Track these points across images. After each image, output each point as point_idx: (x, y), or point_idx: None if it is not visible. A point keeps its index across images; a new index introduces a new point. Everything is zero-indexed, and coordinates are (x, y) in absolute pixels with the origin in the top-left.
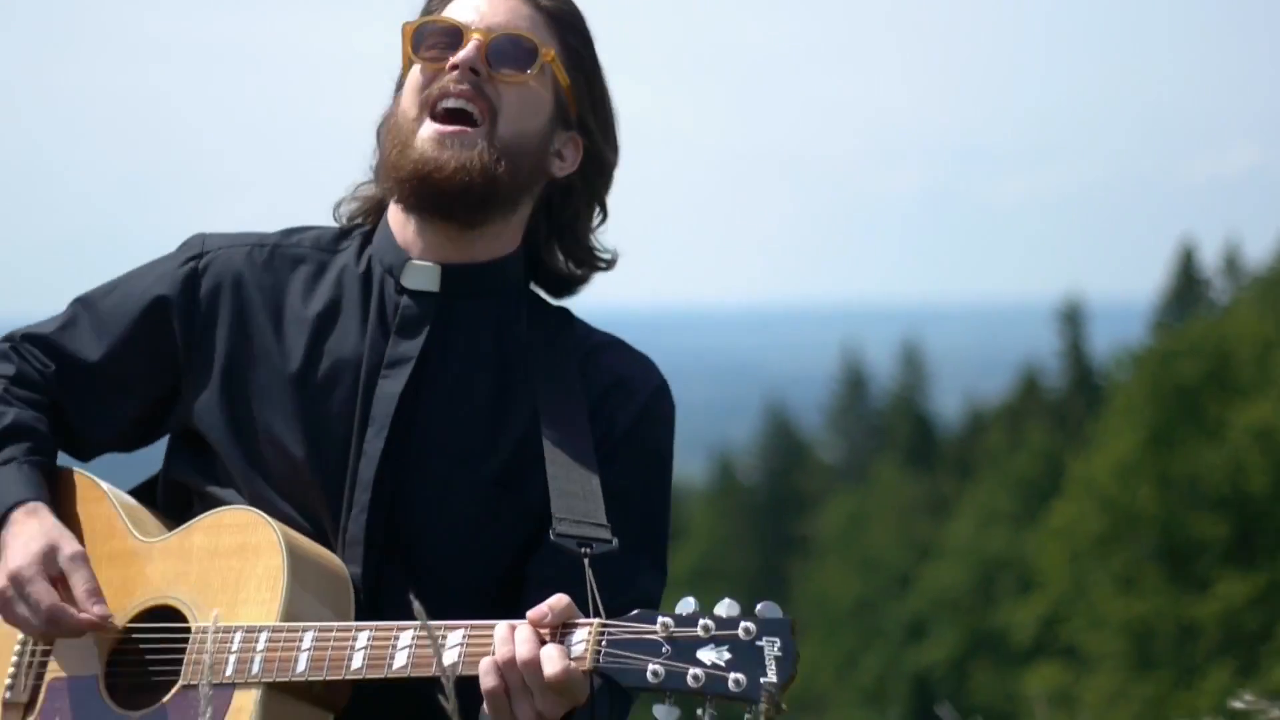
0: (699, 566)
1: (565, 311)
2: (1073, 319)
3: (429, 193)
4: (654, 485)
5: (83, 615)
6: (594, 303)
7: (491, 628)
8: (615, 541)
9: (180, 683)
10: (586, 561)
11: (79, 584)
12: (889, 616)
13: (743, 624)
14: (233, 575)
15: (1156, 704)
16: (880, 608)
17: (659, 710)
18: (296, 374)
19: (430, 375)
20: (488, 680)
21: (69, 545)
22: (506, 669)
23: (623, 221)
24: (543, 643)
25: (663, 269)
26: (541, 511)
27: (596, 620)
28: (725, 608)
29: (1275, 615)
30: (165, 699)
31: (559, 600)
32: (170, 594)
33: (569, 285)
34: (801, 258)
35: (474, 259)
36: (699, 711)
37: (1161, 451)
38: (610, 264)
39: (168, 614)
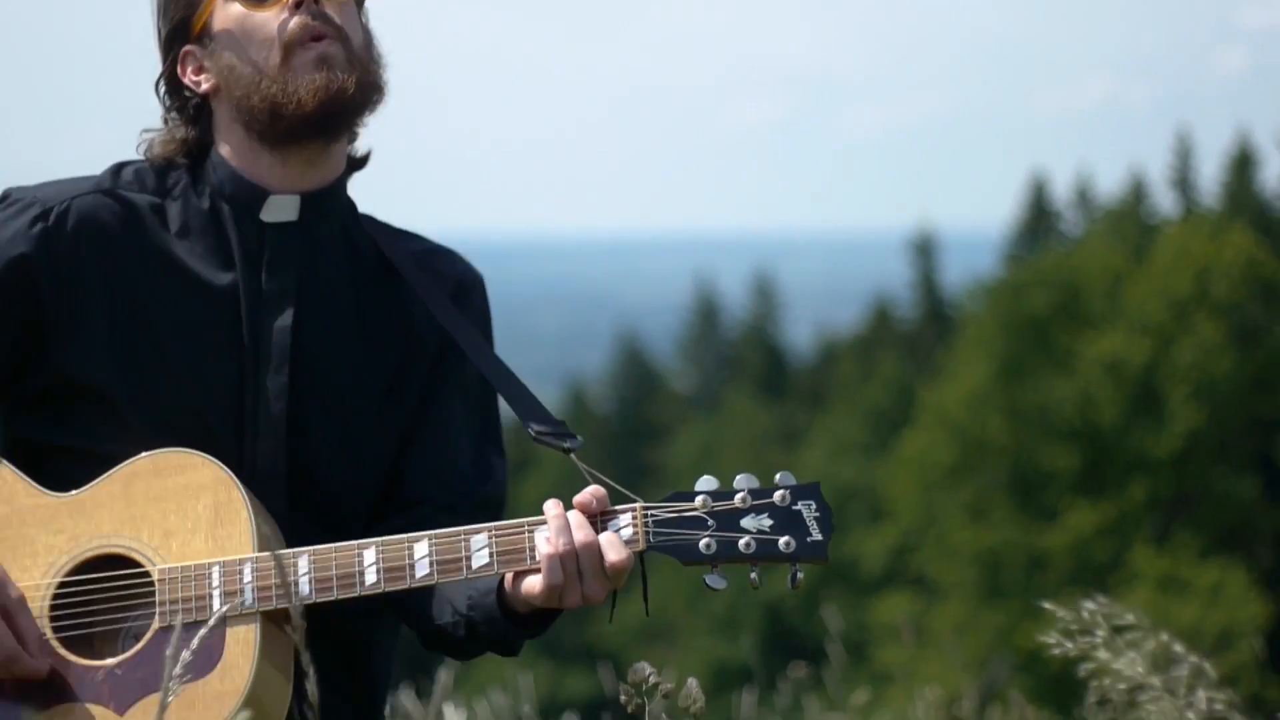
0: (551, 495)
1: (372, 220)
2: (924, 250)
3: (321, 118)
4: (488, 379)
5: (36, 662)
6: (448, 228)
7: (519, 525)
8: (580, 439)
9: (156, 625)
10: (574, 457)
11: (27, 631)
12: None
13: (777, 491)
14: (188, 514)
15: (1006, 633)
16: None
17: (712, 579)
18: (176, 317)
19: (307, 302)
20: (553, 566)
21: (9, 589)
22: (567, 559)
23: (480, 150)
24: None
25: (516, 197)
26: (416, 406)
27: (639, 504)
28: (745, 480)
29: (1124, 546)
30: (141, 644)
31: (596, 488)
32: (117, 542)
33: (352, 167)
34: (654, 187)
35: (325, 182)
36: (752, 574)
37: (1012, 382)
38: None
39: (113, 563)
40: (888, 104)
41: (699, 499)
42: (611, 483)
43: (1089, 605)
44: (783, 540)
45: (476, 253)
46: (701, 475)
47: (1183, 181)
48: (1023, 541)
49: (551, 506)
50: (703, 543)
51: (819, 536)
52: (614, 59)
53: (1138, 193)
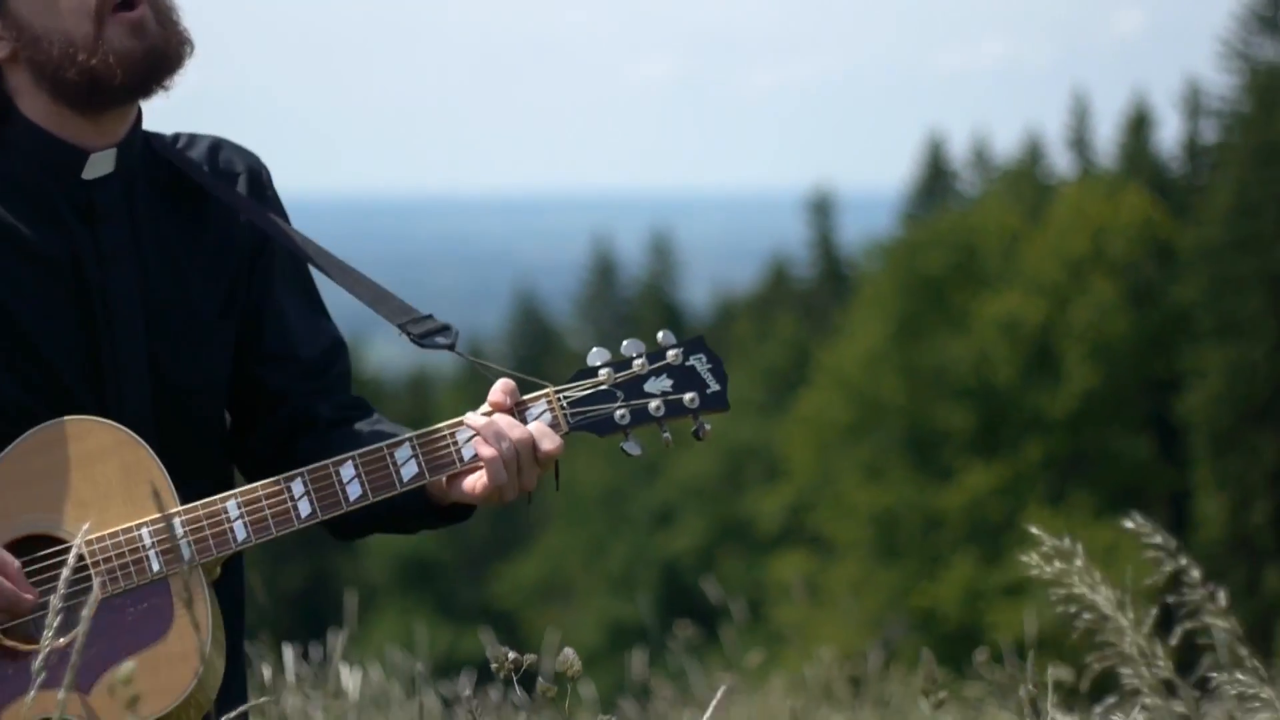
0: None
1: (154, 136)
2: (822, 209)
3: (140, 84)
4: (294, 251)
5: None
6: (344, 186)
7: (439, 432)
8: (455, 329)
9: (96, 597)
10: (458, 352)
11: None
12: (637, 505)
13: (670, 350)
14: (98, 481)
15: (901, 592)
16: (628, 496)
17: (628, 446)
18: (15, 283)
19: (142, 250)
20: (496, 469)
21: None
22: (509, 460)
23: (374, 107)
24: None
25: (412, 154)
26: (252, 310)
27: (550, 388)
28: (633, 346)
29: (1018, 505)
30: (86, 620)
31: (504, 383)
32: (28, 521)
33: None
34: (552, 144)
35: (130, 127)
36: (665, 435)
37: (908, 342)
38: None
39: (29, 546)
40: (786, 63)
41: (603, 372)
42: (511, 372)
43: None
44: (687, 396)
45: (375, 210)
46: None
47: (1079, 142)
48: (918, 501)
49: (474, 416)
50: (617, 413)
51: (717, 386)
52: (511, 14)
53: (1034, 153)
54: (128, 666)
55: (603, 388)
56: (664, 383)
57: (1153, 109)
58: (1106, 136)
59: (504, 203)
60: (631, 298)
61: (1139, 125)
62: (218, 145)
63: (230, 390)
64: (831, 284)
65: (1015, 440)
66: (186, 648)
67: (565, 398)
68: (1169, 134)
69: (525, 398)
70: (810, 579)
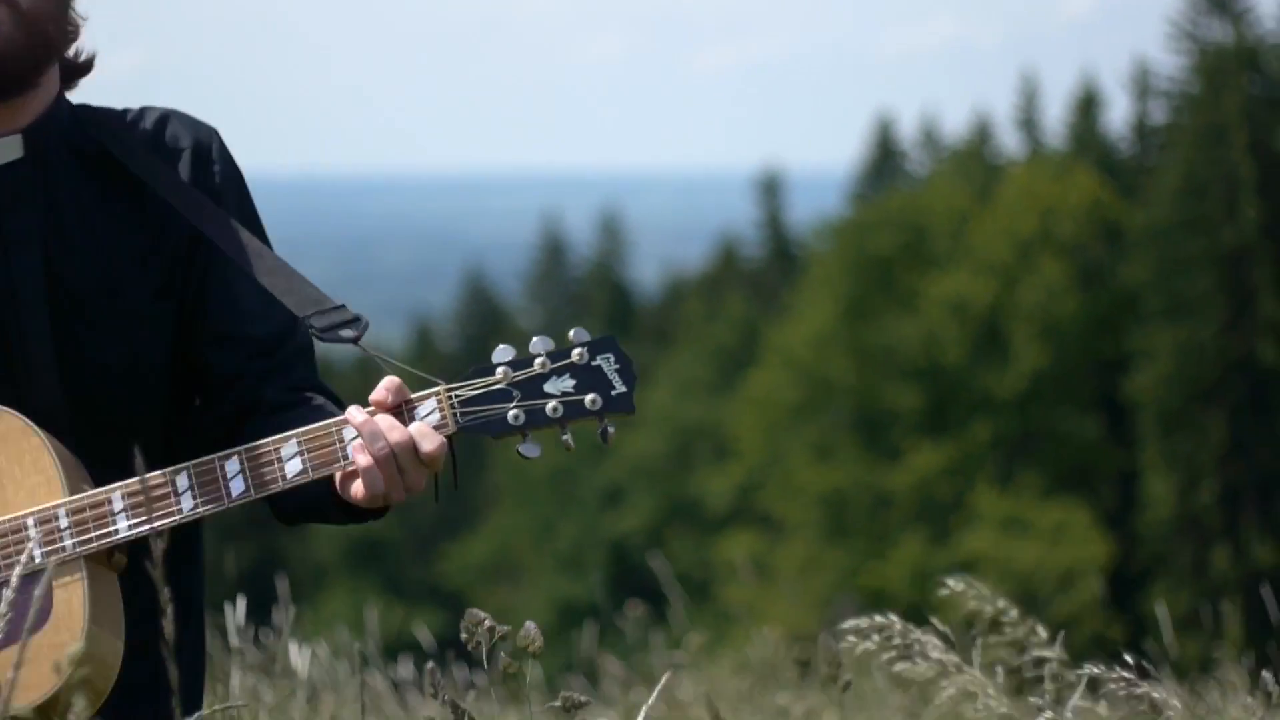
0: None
1: (94, 110)
2: (771, 189)
3: (18, 72)
4: (255, 225)
5: None
6: (294, 165)
7: (327, 429)
8: (364, 321)
9: None
10: (360, 346)
11: None
12: (586, 484)
13: (575, 349)
14: None
15: (850, 572)
16: (578, 475)
17: (525, 449)
18: None
19: (55, 235)
20: (373, 476)
21: None
22: (384, 463)
23: (324, 85)
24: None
25: (362, 134)
26: (193, 296)
27: (441, 386)
28: (541, 343)
29: (966, 485)
30: None
31: (390, 380)
32: None
33: (73, 75)
34: (502, 124)
35: (40, 111)
36: (564, 437)
37: (857, 322)
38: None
39: None
40: (735, 42)
41: (499, 370)
42: (407, 367)
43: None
44: (588, 398)
45: (324, 189)
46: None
47: (1028, 122)
48: (867, 481)
49: (356, 413)
50: (510, 414)
51: (622, 388)
52: None
53: (983, 133)
54: (75, 648)
55: (498, 387)
56: (565, 383)
57: (1101, 90)
58: (1055, 117)
59: (453, 182)
60: (581, 277)
61: (1088, 106)
62: (166, 118)
63: (182, 372)
64: (781, 264)
65: (964, 420)
66: (62, 639)
67: (457, 396)
68: (1118, 115)
69: (414, 396)
70: (759, 558)
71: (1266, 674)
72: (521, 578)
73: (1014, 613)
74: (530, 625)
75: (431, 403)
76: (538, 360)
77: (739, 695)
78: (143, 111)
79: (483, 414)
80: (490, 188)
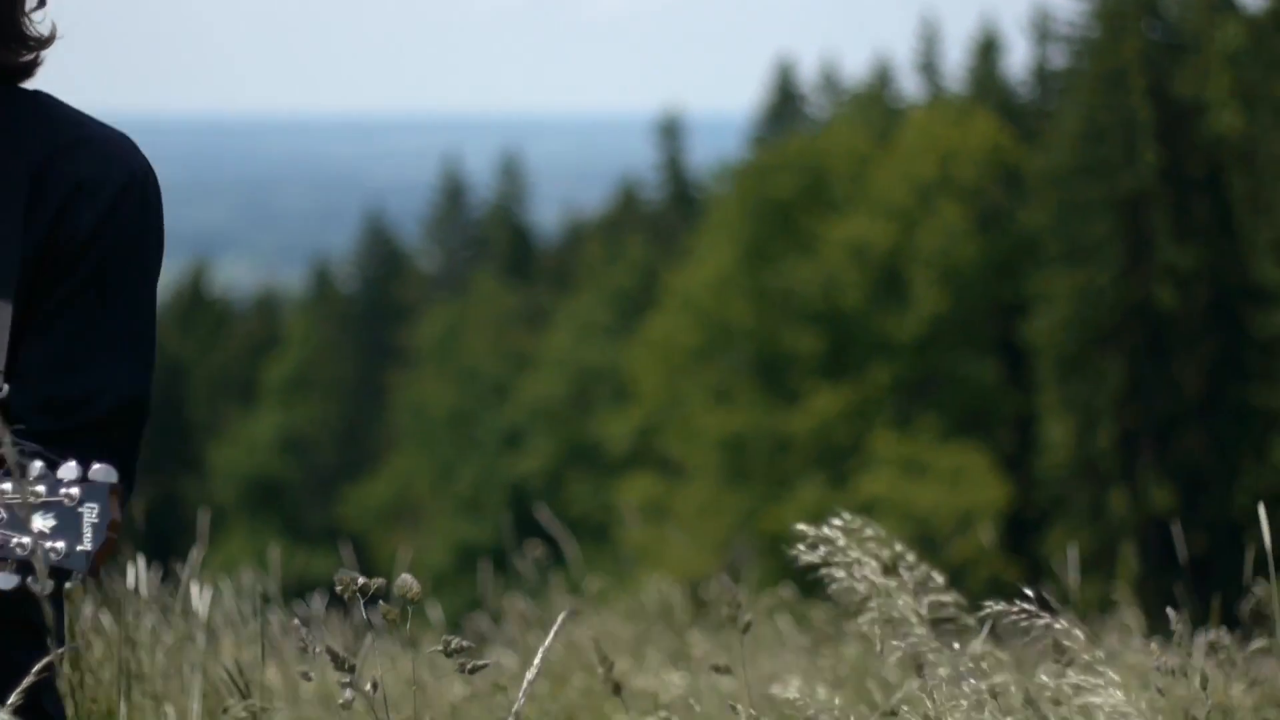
0: (296, 375)
1: (35, 100)
2: (671, 132)
3: None
4: (129, 283)
5: None
6: (192, 107)
7: None
8: (5, 387)
9: None
10: None
11: None
12: (486, 426)
13: (65, 491)
14: None
15: (748, 516)
16: (477, 418)
17: (1, 579)
18: None
19: None
20: None
21: None
22: None
23: (221, 26)
24: None
25: (262, 75)
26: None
27: None
28: (67, 470)
29: (865, 428)
30: None
31: None
32: None
33: (15, 74)
34: (401, 65)
35: None
36: (30, 581)
37: (757, 265)
38: (48, 40)
39: None
40: None
41: (4, 485)
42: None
43: (835, 522)
44: (53, 546)
45: (224, 130)
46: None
47: (928, 66)
48: (766, 424)
49: None
50: None
51: (88, 546)
52: None
53: (883, 77)
54: None
55: None
56: (48, 521)
57: (1002, 34)
58: (955, 61)
59: (353, 124)
60: (481, 219)
61: (988, 50)
62: (80, 144)
63: None
64: (680, 207)
65: (863, 364)
66: None
67: None
68: (1018, 59)
69: None
70: (658, 501)
71: (1171, 611)
72: (421, 520)
73: (911, 556)
74: (406, 576)
75: None
76: (33, 490)
77: (635, 638)
78: (77, 123)
79: None
80: (390, 130)
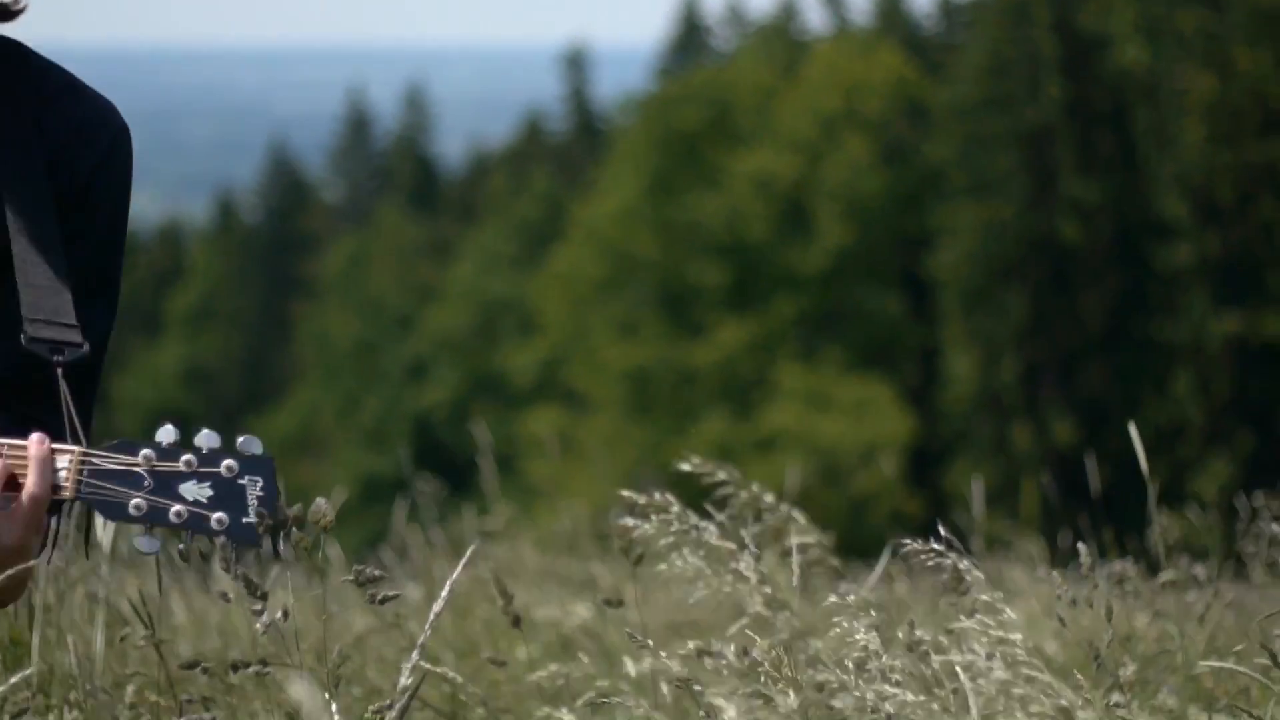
0: (200, 306)
1: (16, 49)
2: (577, 64)
3: None
4: (113, 229)
5: None
6: (91, 38)
7: None
8: (86, 346)
9: None
10: (60, 373)
11: None
12: (390, 358)
13: (225, 461)
14: None
15: (654, 448)
16: (382, 349)
17: (141, 541)
18: None
19: None
20: None
21: None
22: None
23: None
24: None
25: (166, 4)
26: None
27: (77, 449)
28: (206, 439)
29: (769, 361)
30: None
31: (41, 435)
32: None
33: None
34: None
35: None
36: (180, 545)
37: (662, 198)
38: None
39: None
40: None
41: (142, 454)
42: (73, 413)
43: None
44: (215, 517)
45: (128, 59)
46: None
47: None
48: (671, 357)
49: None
50: (133, 503)
51: (252, 519)
52: None
53: (789, 9)
54: None
55: (137, 469)
56: (203, 491)
57: None
58: None
59: (258, 54)
60: (385, 150)
61: None
62: (69, 91)
63: None
64: (586, 139)
65: (768, 296)
66: None
67: (90, 465)
68: None
69: (53, 447)
70: (563, 434)
71: (1081, 545)
72: (326, 452)
73: (770, 497)
74: (320, 501)
75: (64, 460)
76: (184, 458)
77: (541, 569)
78: (52, 69)
79: (106, 492)
80: (295, 60)
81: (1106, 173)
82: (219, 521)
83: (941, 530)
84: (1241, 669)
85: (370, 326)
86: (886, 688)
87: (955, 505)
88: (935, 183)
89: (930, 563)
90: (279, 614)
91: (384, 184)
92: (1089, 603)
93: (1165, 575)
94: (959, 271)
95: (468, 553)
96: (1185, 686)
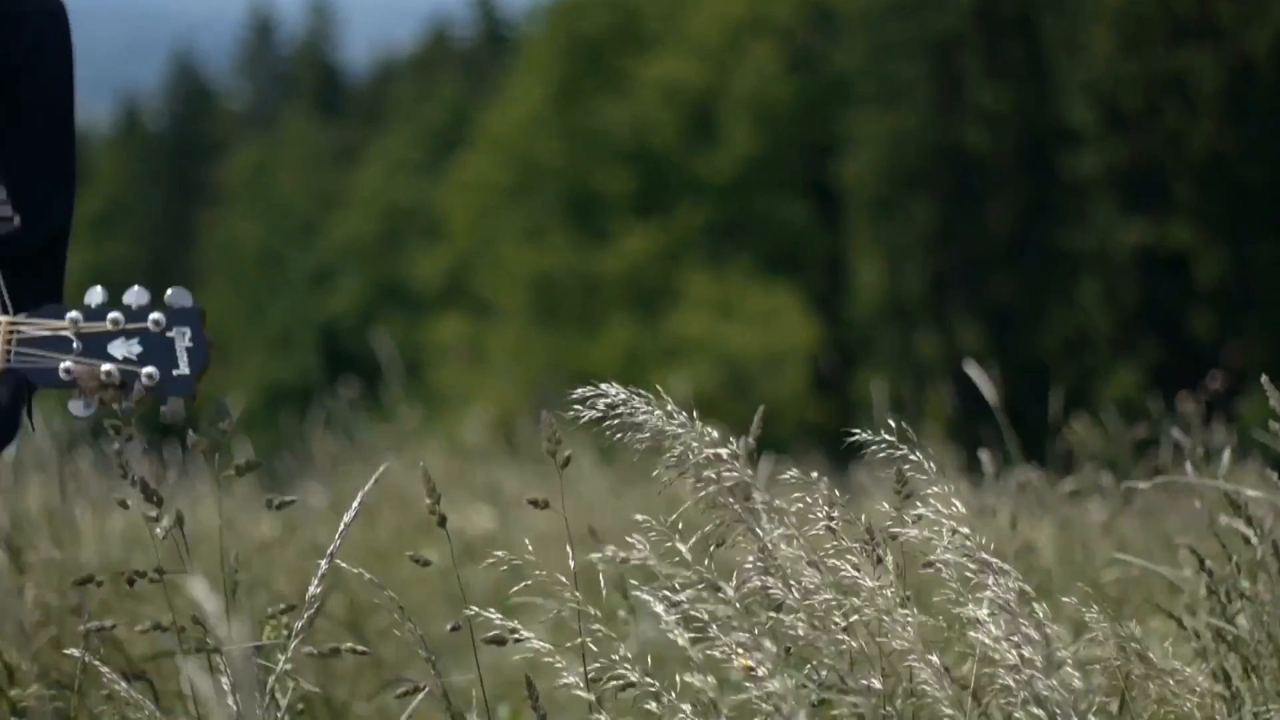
0: (104, 212)
1: None
2: None
3: None
4: (56, 110)
5: None
6: None
7: None
8: (17, 219)
9: None
10: None
11: None
12: (296, 265)
13: (152, 315)
14: None
15: (560, 355)
16: (287, 256)
17: (74, 405)
18: None
19: None
20: None
21: None
22: None
23: None
24: None
25: None
26: None
27: (4, 318)
28: (134, 296)
29: (675, 269)
30: None
31: None
32: None
33: None
34: None
35: None
36: (115, 405)
37: (568, 105)
38: None
39: None
40: None
41: (69, 317)
42: (4, 293)
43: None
44: (146, 371)
45: None
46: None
47: None
48: (577, 264)
49: None
50: (63, 367)
51: (185, 371)
52: None
53: None
54: None
55: (64, 333)
56: (132, 348)
57: None
58: None
59: None
60: (290, 56)
61: None
62: None
63: None
64: (493, 46)
65: (674, 204)
66: None
67: (18, 333)
68: None
69: None
70: (470, 341)
71: (983, 453)
72: (232, 359)
73: (671, 404)
74: (223, 401)
75: None
76: (110, 317)
77: (449, 476)
78: None
79: (36, 358)
80: None
81: (1014, 81)
82: (149, 376)
83: (893, 421)
84: (1150, 566)
85: (275, 233)
86: (844, 568)
87: (862, 413)
88: (843, 90)
89: (882, 454)
90: (176, 520)
91: (289, 90)
92: (994, 511)
93: (1068, 484)
94: (866, 180)
95: (382, 466)
96: (1092, 595)
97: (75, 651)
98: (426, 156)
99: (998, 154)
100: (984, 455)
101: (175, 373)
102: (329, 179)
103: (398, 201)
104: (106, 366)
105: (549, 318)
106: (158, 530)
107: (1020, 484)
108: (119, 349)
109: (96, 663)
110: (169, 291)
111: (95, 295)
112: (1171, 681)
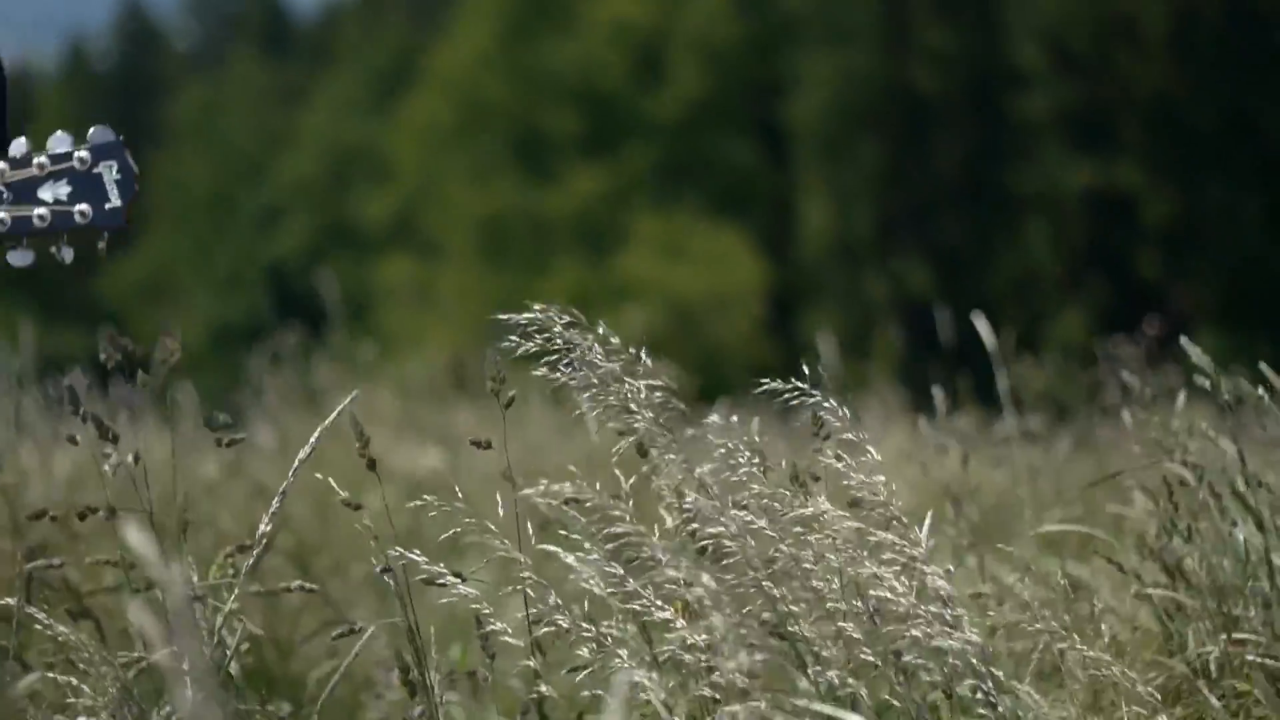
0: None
1: None
2: None
3: None
4: None
5: None
6: None
7: None
8: None
9: None
10: None
11: None
12: (243, 206)
13: (77, 154)
14: None
15: (509, 297)
16: (234, 197)
17: (13, 256)
18: None
19: None
20: None
21: None
22: None
23: None
24: None
25: None
26: None
27: None
28: (57, 141)
29: (623, 209)
30: None
31: None
32: None
33: None
34: None
35: None
36: (53, 249)
37: (516, 44)
38: None
39: None
40: None
41: None
42: None
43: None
44: (78, 210)
45: None
46: (56, 132)
47: None
48: (525, 205)
49: None
50: None
51: (116, 202)
52: None
53: None
54: None
55: None
56: (61, 189)
57: None
58: None
59: None
60: None
61: None
62: None
63: None
64: None
65: (622, 145)
66: None
67: None
68: None
69: None
70: (417, 282)
71: (935, 390)
72: (180, 300)
73: (616, 340)
74: (166, 338)
75: None
76: (36, 161)
77: (397, 418)
78: None
79: None
80: None
81: (963, 22)
82: (82, 214)
83: (805, 368)
84: (1091, 529)
85: (223, 174)
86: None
87: (810, 355)
88: (791, 31)
89: (794, 402)
90: (129, 457)
91: (236, 30)
92: (944, 450)
93: (1007, 427)
94: (814, 121)
95: (340, 406)
96: (1034, 539)
97: (11, 600)
98: (374, 97)
99: (946, 95)
100: (937, 393)
101: (108, 206)
102: (276, 119)
103: (345, 142)
104: (40, 211)
105: (497, 258)
106: (106, 468)
107: (958, 430)
108: (48, 191)
109: (31, 610)
110: (91, 129)
111: (19, 146)
112: (1115, 618)
